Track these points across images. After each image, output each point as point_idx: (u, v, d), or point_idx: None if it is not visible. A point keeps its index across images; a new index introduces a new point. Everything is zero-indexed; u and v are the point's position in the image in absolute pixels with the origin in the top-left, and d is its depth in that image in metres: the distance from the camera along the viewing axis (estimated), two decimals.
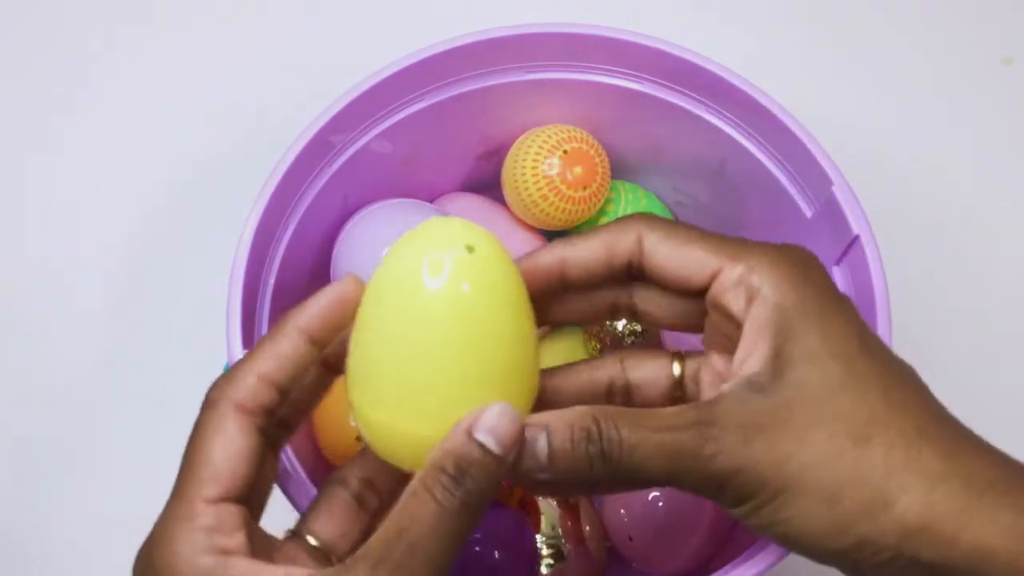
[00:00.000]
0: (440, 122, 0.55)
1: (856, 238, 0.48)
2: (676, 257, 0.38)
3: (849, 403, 0.35)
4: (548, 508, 0.57)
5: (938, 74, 0.75)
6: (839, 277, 0.50)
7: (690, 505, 0.55)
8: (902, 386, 0.36)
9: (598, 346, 0.58)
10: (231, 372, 0.36)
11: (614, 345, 0.57)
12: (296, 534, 0.37)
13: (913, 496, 0.33)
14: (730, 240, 0.38)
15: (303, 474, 0.43)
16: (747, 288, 0.36)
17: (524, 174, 0.55)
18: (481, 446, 0.33)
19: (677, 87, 0.54)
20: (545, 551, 0.55)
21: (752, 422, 0.34)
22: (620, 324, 0.57)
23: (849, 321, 0.36)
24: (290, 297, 0.52)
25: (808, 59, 0.76)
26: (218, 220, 0.59)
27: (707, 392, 0.40)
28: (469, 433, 0.33)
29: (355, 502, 0.38)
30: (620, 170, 0.59)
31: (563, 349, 0.59)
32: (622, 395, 0.42)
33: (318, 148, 0.51)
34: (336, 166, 0.52)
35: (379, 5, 0.77)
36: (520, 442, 0.34)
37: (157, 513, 0.35)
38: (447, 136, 0.56)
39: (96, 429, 0.65)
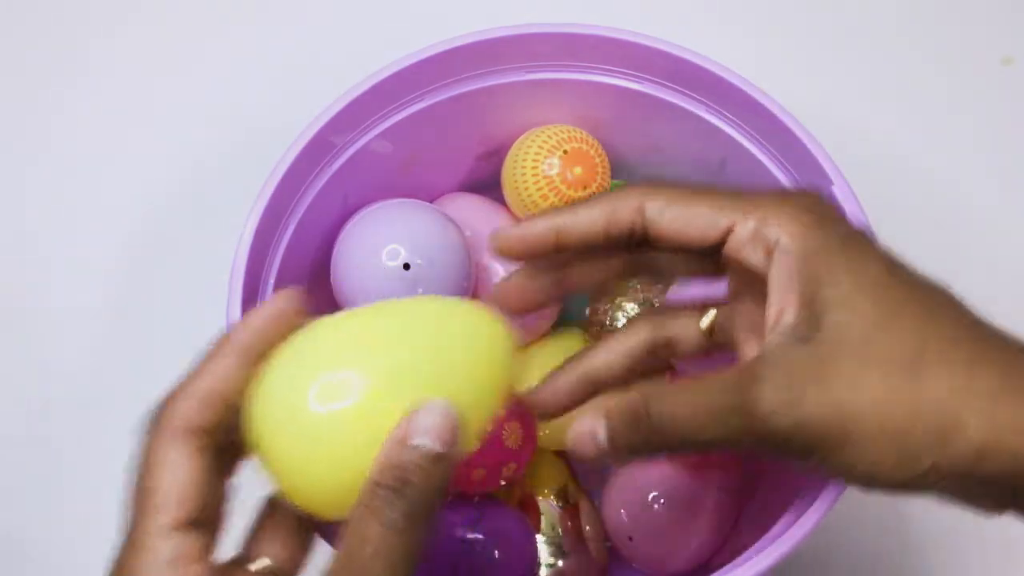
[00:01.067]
0: (440, 122, 0.55)
1: None
2: (682, 220, 0.37)
3: (894, 338, 0.34)
4: (548, 508, 0.57)
5: (938, 74, 0.75)
6: None
7: (690, 505, 0.55)
8: (941, 309, 0.36)
9: None
10: (172, 394, 0.35)
11: None
12: (248, 559, 0.36)
13: (978, 416, 0.33)
14: (736, 194, 0.37)
15: None
16: (763, 241, 0.36)
17: (524, 174, 0.55)
18: (418, 448, 0.32)
19: (677, 87, 0.54)
20: (545, 551, 0.55)
21: (801, 375, 0.34)
22: (620, 322, 0.57)
23: (874, 256, 0.36)
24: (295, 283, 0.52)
25: (808, 59, 0.76)
26: (218, 220, 0.59)
27: (744, 340, 0.40)
28: (403, 441, 0.32)
29: (298, 521, 0.36)
30: (620, 170, 0.59)
31: (563, 349, 0.59)
32: (664, 351, 0.42)
33: (318, 148, 0.51)
34: (336, 166, 0.52)
35: (379, 5, 0.77)
36: (457, 432, 0.33)
37: None
38: (447, 136, 0.56)
39: (95, 429, 0.65)
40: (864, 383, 0.34)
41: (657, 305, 0.56)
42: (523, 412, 0.53)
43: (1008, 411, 0.33)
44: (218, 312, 0.47)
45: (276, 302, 0.36)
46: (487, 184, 0.60)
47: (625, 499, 0.57)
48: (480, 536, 0.50)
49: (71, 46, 0.76)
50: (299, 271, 0.52)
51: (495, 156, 0.58)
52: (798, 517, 0.43)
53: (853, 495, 0.43)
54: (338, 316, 0.36)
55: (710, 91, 0.53)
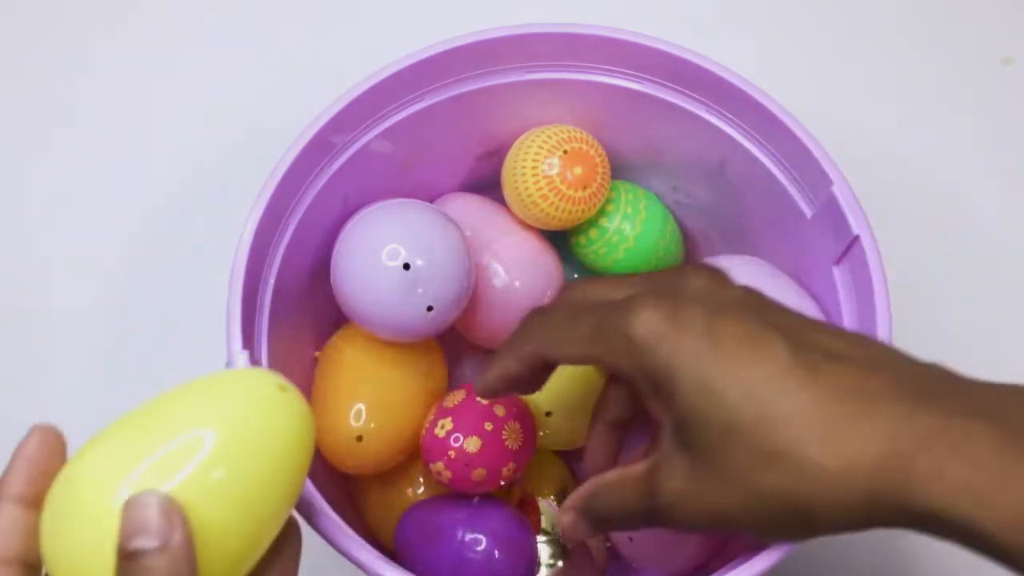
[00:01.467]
0: (440, 122, 0.55)
1: (856, 238, 0.48)
2: (572, 356, 0.41)
3: (761, 430, 0.35)
4: (548, 508, 0.57)
5: (938, 74, 0.75)
6: (839, 277, 0.50)
7: None
8: (812, 372, 0.36)
9: None
10: None
11: None
12: None
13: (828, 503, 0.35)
14: (602, 316, 0.39)
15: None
16: (623, 370, 0.39)
17: (524, 174, 0.55)
18: (137, 553, 0.31)
19: (677, 87, 0.54)
20: (545, 551, 0.55)
21: (682, 476, 0.38)
22: None
23: (753, 334, 0.37)
24: (290, 297, 0.52)
25: (808, 59, 0.76)
26: (218, 220, 0.59)
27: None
28: (123, 550, 0.31)
29: None
30: (620, 170, 0.59)
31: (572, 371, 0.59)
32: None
33: (318, 148, 0.51)
34: (336, 166, 0.52)
35: (379, 5, 0.77)
36: (177, 518, 0.31)
37: None
38: (447, 136, 0.56)
39: (95, 429, 0.64)
40: (736, 475, 0.36)
41: None
42: (523, 412, 0.53)
43: (853, 448, 0.35)
44: (218, 312, 0.47)
45: (32, 443, 0.35)
46: (487, 184, 0.60)
47: None
48: (479, 536, 0.50)
49: (71, 46, 0.76)
50: (299, 271, 0.52)
51: (495, 156, 0.58)
52: None
53: None
54: (124, 417, 0.35)
55: (710, 91, 0.53)
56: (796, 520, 0.36)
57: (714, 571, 0.42)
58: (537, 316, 0.43)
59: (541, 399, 0.55)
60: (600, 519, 0.42)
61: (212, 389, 0.35)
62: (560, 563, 0.56)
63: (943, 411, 0.34)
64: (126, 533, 0.31)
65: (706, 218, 0.60)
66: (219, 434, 0.33)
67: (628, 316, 0.38)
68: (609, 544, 0.58)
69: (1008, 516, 0.32)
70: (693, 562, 0.56)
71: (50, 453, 0.35)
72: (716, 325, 0.37)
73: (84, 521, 0.32)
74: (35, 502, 0.34)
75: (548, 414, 0.55)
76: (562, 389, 0.55)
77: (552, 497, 0.58)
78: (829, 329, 0.38)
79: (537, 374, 0.44)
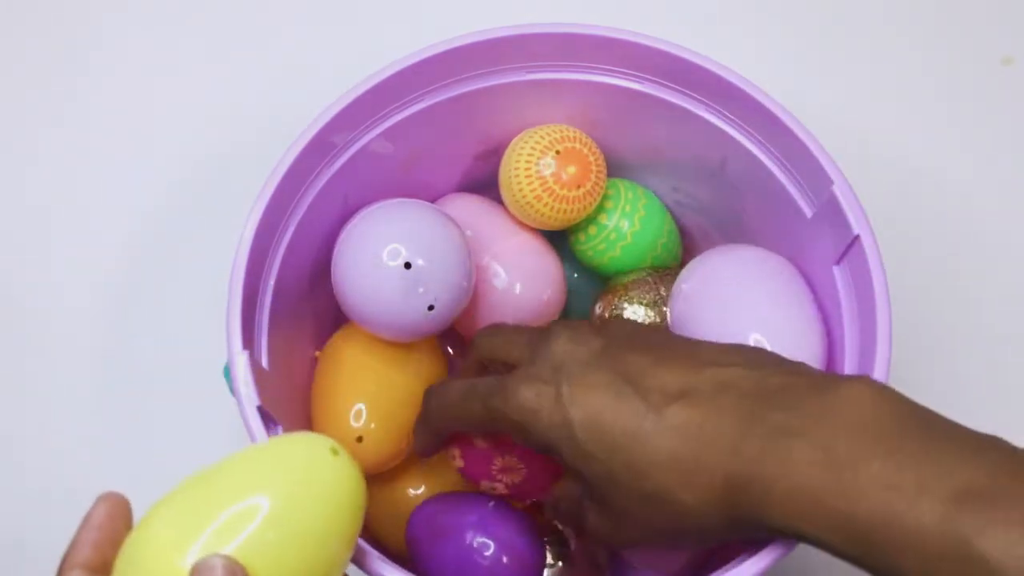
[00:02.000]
0: (440, 122, 0.55)
1: (856, 238, 0.48)
2: (473, 433, 0.50)
3: (622, 482, 0.41)
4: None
5: (938, 74, 0.75)
6: (839, 277, 0.50)
7: None
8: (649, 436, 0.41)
9: None
10: None
11: None
12: None
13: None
14: (485, 398, 0.44)
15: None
16: (517, 440, 0.45)
17: (518, 175, 0.55)
18: None
19: (677, 87, 0.54)
20: (547, 552, 0.55)
21: (595, 521, 0.44)
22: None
23: (584, 403, 0.42)
24: (290, 297, 0.52)
25: (809, 59, 0.76)
26: (218, 220, 0.59)
27: None
28: None
29: None
30: (620, 170, 0.59)
31: None
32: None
33: (318, 148, 0.51)
34: (336, 166, 0.52)
35: (379, 5, 0.77)
36: None
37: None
38: (447, 136, 0.56)
39: (95, 429, 0.65)
40: (624, 519, 0.42)
41: (665, 294, 0.56)
42: None
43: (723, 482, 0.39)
44: (219, 312, 0.47)
45: (99, 511, 0.36)
46: (486, 184, 0.60)
47: None
48: (488, 541, 0.50)
49: (71, 46, 0.76)
50: (299, 271, 0.52)
51: (494, 156, 0.58)
52: None
53: None
54: (186, 483, 0.36)
55: (710, 91, 0.53)
56: (687, 540, 0.42)
57: (714, 571, 0.42)
58: (434, 399, 0.49)
59: None
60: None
61: (268, 455, 0.37)
62: (561, 564, 0.56)
63: (766, 430, 0.38)
64: None
65: (706, 217, 0.60)
66: (275, 499, 0.35)
67: (507, 401, 0.43)
68: None
69: (827, 524, 0.36)
70: (693, 561, 0.55)
71: (116, 520, 0.36)
72: (576, 394, 0.41)
73: None
74: (102, 569, 0.35)
75: None
76: None
77: None
78: (679, 358, 0.42)
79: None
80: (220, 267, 0.49)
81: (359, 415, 0.52)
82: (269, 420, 0.44)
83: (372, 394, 0.52)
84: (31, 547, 0.62)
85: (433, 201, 0.59)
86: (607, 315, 0.57)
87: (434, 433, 0.49)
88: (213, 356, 0.54)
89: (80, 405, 0.65)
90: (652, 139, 0.57)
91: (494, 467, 0.50)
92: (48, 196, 0.71)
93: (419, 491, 0.56)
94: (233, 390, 0.44)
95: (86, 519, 0.36)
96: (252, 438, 0.43)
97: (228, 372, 0.45)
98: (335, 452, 0.37)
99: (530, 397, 0.42)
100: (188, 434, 0.63)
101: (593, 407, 0.41)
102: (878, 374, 0.45)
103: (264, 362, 0.48)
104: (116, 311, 0.68)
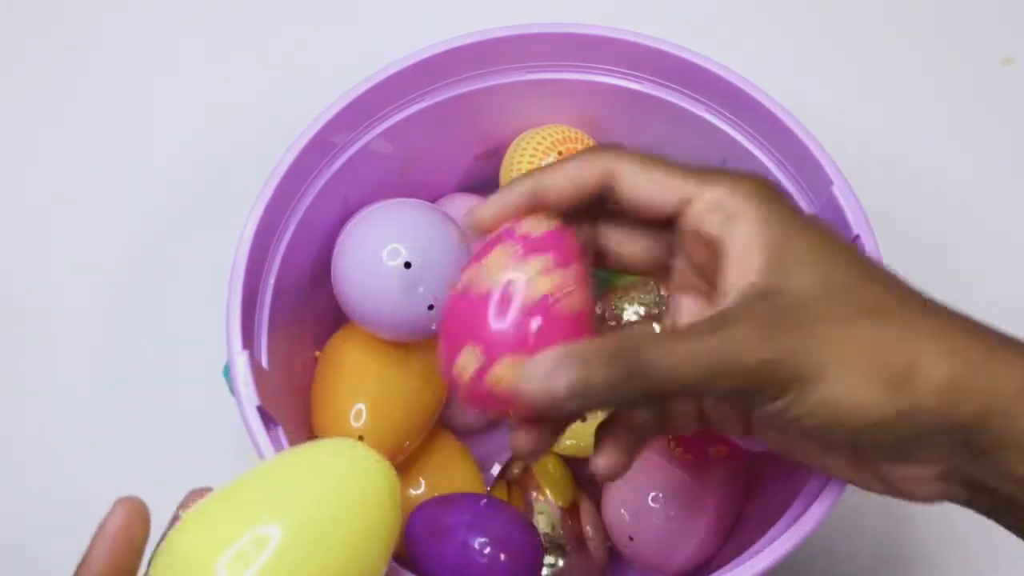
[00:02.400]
0: (440, 122, 0.55)
1: (856, 238, 0.48)
2: (649, 183, 0.39)
3: (853, 291, 0.36)
4: (548, 508, 0.57)
5: (938, 74, 0.75)
6: None
7: (690, 505, 0.55)
8: (894, 279, 0.38)
9: None
10: None
11: None
12: None
13: (940, 360, 0.35)
14: (698, 168, 0.39)
15: None
16: (725, 210, 0.37)
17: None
18: None
19: (677, 87, 0.54)
20: (546, 552, 0.55)
21: (772, 317, 0.35)
22: (627, 317, 0.57)
23: (829, 232, 0.38)
24: (290, 297, 0.52)
25: (808, 59, 0.76)
26: (218, 220, 0.59)
27: (677, 305, 0.41)
28: None
29: None
30: None
31: None
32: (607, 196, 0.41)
33: (318, 148, 0.51)
34: (336, 166, 0.52)
35: (379, 5, 0.77)
36: None
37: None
38: (447, 136, 0.56)
39: (95, 429, 0.65)
40: (831, 326, 0.35)
41: (665, 295, 0.56)
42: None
43: (966, 357, 0.35)
44: (219, 312, 0.47)
45: (113, 521, 0.35)
46: (486, 184, 0.60)
47: (625, 499, 0.57)
48: (484, 540, 0.50)
49: (71, 46, 0.76)
50: (299, 271, 0.52)
51: (494, 156, 0.58)
52: (797, 518, 0.43)
53: (853, 498, 0.43)
54: (220, 492, 0.35)
55: (710, 91, 0.53)
56: (895, 378, 0.35)
57: (714, 571, 0.42)
58: (612, 145, 0.41)
59: None
60: (646, 380, 0.35)
61: (305, 462, 0.36)
62: (560, 563, 0.56)
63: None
64: None
65: None
66: (312, 511, 0.34)
67: (727, 177, 0.38)
68: (609, 544, 0.58)
69: None
70: (693, 562, 0.56)
71: (133, 528, 0.35)
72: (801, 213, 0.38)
73: None
74: None
75: (583, 418, 0.55)
76: None
77: (552, 497, 0.57)
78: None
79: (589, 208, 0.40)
80: (220, 267, 0.49)
81: (359, 416, 0.52)
82: (269, 420, 0.44)
83: (372, 394, 0.52)
84: (31, 547, 0.62)
85: (433, 201, 0.59)
86: (606, 315, 0.57)
87: (590, 169, 0.39)
88: (213, 356, 0.54)
89: (80, 405, 0.65)
90: (652, 139, 0.57)
91: None
92: (48, 196, 0.71)
93: (419, 491, 0.56)
94: (233, 390, 0.44)
95: (101, 528, 0.35)
96: (252, 438, 0.43)
97: (228, 372, 0.45)
98: (370, 458, 0.36)
99: (755, 186, 0.38)
100: (188, 434, 0.63)
101: (814, 228, 0.38)
102: None
103: (264, 362, 0.48)
104: (116, 311, 0.68)
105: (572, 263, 0.38)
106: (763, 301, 0.36)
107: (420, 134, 0.55)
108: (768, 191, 0.38)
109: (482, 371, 0.37)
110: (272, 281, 0.50)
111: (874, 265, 0.38)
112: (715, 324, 0.35)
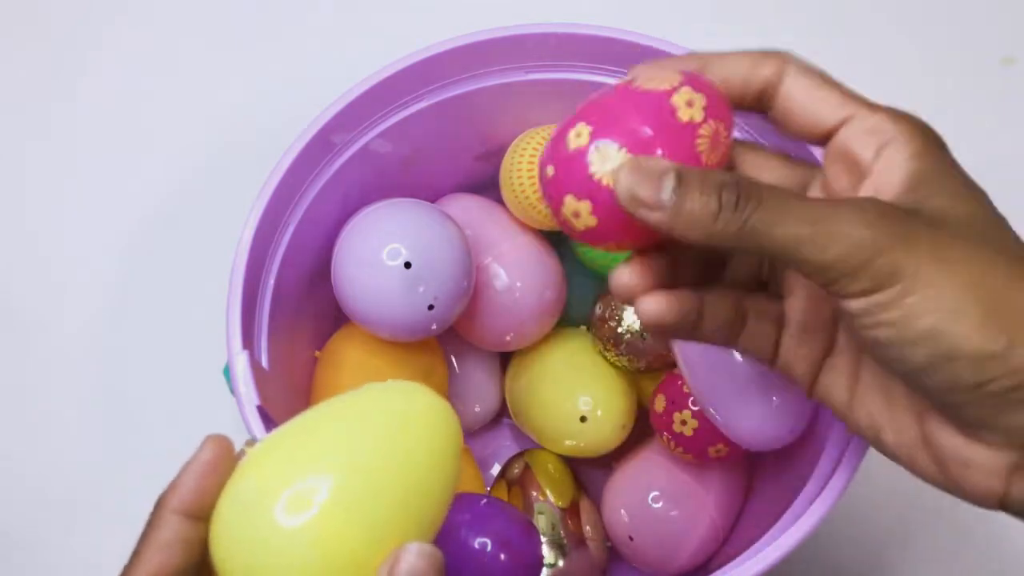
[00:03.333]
0: (440, 122, 0.55)
1: None
2: (814, 94, 0.38)
3: (988, 234, 0.34)
4: (548, 508, 0.57)
5: (938, 74, 0.75)
6: None
7: (690, 505, 0.55)
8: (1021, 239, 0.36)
9: (609, 346, 0.57)
10: None
11: (616, 344, 0.57)
12: None
13: None
14: (857, 93, 0.38)
15: None
16: (881, 135, 0.36)
17: (520, 175, 0.55)
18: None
19: None
20: (546, 551, 0.55)
21: (894, 214, 0.33)
22: (626, 322, 0.57)
23: (975, 183, 0.37)
24: (290, 297, 0.52)
25: (808, 59, 0.76)
26: (218, 220, 0.59)
27: None
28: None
29: None
30: None
31: (568, 349, 0.59)
32: (763, 99, 0.40)
33: (318, 148, 0.51)
34: (336, 166, 0.52)
35: (379, 6, 0.77)
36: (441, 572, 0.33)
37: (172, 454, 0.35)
38: (447, 136, 0.56)
39: (94, 429, 0.65)
40: (954, 246, 0.33)
41: None
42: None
43: None
44: (219, 312, 0.47)
45: (203, 456, 0.34)
46: (486, 184, 0.60)
47: (625, 499, 0.57)
48: (485, 539, 0.50)
49: (71, 46, 0.76)
50: (299, 271, 0.52)
51: (495, 156, 0.58)
52: (797, 519, 0.43)
53: (852, 500, 0.43)
54: (285, 429, 0.35)
55: None
56: (1008, 321, 0.33)
57: (714, 571, 0.42)
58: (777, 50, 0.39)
59: (580, 404, 0.56)
60: (751, 232, 0.33)
61: (366, 402, 0.35)
62: (560, 563, 0.56)
63: None
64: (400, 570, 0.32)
65: None
66: (375, 449, 0.33)
67: (888, 107, 0.38)
68: (609, 544, 0.58)
69: None
70: (693, 562, 0.56)
71: (220, 465, 0.34)
72: None
73: (253, 532, 0.32)
74: (200, 514, 0.34)
75: (583, 419, 0.56)
76: (601, 396, 0.56)
77: (553, 497, 0.57)
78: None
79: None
80: (220, 266, 0.49)
81: None
82: (269, 420, 0.44)
83: (378, 374, 0.52)
84: (30, 546, 0.62)
85: (433, 201, 0.59)
86: (607, 315, 0.57)
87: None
88: (213, 356, 0.54)
89: (78, 404, 0.65)
90: None
91: None
92: (47, 197, 0.71)
93: None
94: (233, 390, 0.44)
95: (190, 461, 0.34)
96: (253, 438, 0.43)
97: (228, 372, 0.45)
98: (434, 400, 0.35)
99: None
100: (188, 434, 0.62)
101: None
102: None
103: (264, 361, 0.48)
104: (115, 310, 0.68)
105: (725, 120, 0.37)
106: (887, 204, 0.34)
107: (420, 134, 0.54)
108: (926, 128, 0.37)
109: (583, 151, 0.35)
110: (272, 281, 0.50)
111: (1008, 226, 0.36)
112: (835, 200, 0.34)
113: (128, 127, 0.73)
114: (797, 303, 0.40)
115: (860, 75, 0.75)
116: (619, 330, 0.57)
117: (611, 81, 0.54)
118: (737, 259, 0.41)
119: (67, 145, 0.73)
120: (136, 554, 0.34)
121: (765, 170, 0.40)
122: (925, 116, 0.40)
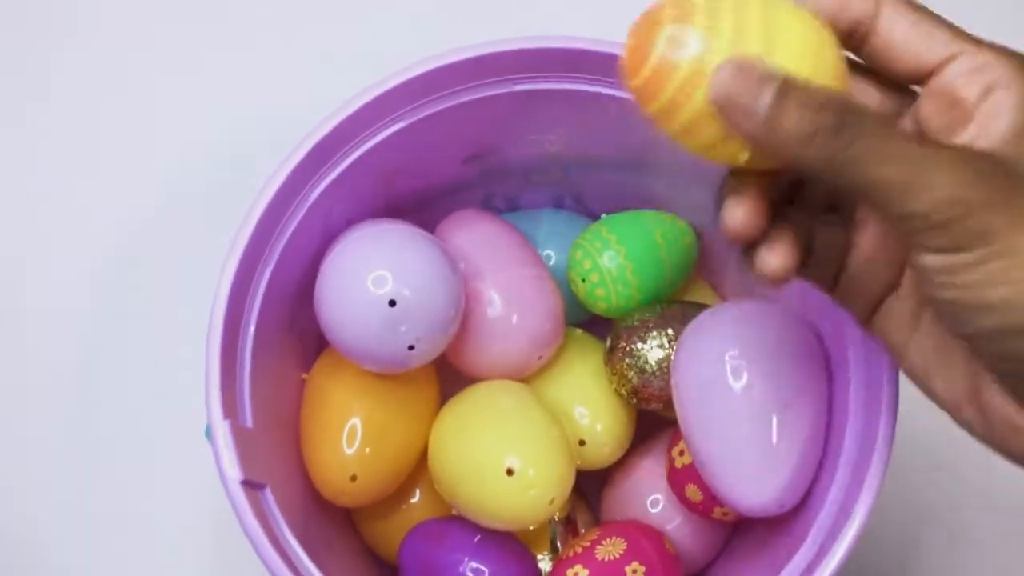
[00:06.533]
0: (427, 135, 0.52)
1: None
2: (916, 29, 0.35)
3: None
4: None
5: None
6: None
7: (690, 509, 0.54)
8: None
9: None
10: None
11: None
12: None
13: None
14: (962, 29, 0.35)
15: (288, 533, 0.42)
16: (988, 76, 0.34)
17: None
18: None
19: None
20: (545, 567, 0.55)
21: (992, 173, 0.31)
22: (644, 347, 0.55)
23: None
24: (273, 328, 0.51)
25: None
26: (215, 223, 0.57)
27: None
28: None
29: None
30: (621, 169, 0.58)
31: (579, 352, 0.58)
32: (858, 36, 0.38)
33: (305, 168, 0.49)
34: (323, 186, 0.51)
35: (376, 12, 0.75)
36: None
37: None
38: (435, 147, 0.54)
39: (93, 429, 0.65)
40: None
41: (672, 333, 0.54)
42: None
43: None
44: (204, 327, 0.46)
45: None
46: (475, 185, 0.59)
47: (624, 507, 0.57)
48: (482, 568, 0.50)
49: (71, 47, 0.74)
50: (282, 303, 0.51)
51: (484, 158, 0.57)
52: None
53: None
54: None
55: None
56: None
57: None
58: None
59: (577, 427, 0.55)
60: (844, 163, 0.31)
61: None
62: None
63: None
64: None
65: (709, 221, 0.59)
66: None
67: (996, 46, 0.35)
68: None
69: None
70: (690, 570, 0.56)
71: None
72: None
73: None
74: None
75: (581, 443, 0.55)
76: (601, 412, 0.55)
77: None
78: None
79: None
80: (219, 267, 0.48)
81: (353, 453, 0.51)
82: (256, 487, 0.43)
83: (364, 428, 0.51)
84: (29, 545, 0.63)
85: (422, 207, 0.57)
86: (619, 347, 0.55)
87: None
88: (197, 373, 0.54)
89: (77, 404, 0.66)
90: (651, 139, 0.55)
91: None
92: (47, 198, 0.70)
93: (414, 499, 0.56)
94: (216, 460, 0.43)
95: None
96: (238, 516, 0.42)
97: (209, 433, 0.44)
98: None
99: None
100: (187, 441, 0.62)
101: None
102: (885, 380, 0.45)
103: (248, 419, 0.47)
104: (114, 311, 0.68)
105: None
106: (989, 158, 0.32)
107: (407, 148, 0.52)
108: None
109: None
110: (252, 329, 0.48)
111: None
112: (934, 145, 0.32)
113: (128, 128, 0.72)
114: (868, 238, 0.38)
115: None
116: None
117: (606, 91, 0.52)
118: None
119: (66, 147, 0.71)
120: None
121: (855, 91, 0.37)
122: None
